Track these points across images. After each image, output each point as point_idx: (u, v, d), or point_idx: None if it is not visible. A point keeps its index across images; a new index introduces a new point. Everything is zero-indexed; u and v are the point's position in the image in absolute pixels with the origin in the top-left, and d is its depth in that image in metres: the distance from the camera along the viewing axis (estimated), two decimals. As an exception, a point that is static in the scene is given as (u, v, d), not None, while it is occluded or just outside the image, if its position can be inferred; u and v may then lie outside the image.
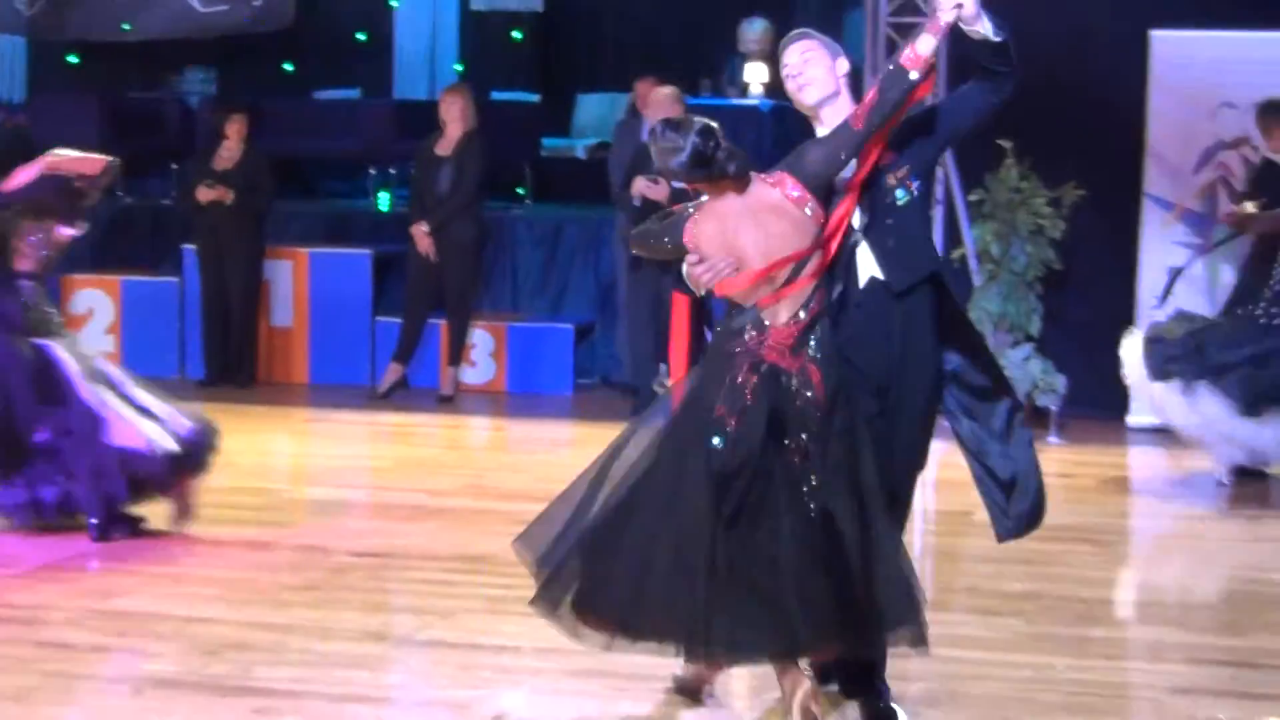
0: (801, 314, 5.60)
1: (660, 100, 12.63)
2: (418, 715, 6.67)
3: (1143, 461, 12.32)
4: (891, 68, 5.55)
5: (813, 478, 5.59)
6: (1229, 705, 6.37)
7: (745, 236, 5.55)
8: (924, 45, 5.45)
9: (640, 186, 12.42)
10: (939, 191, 13.29)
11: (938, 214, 13.34)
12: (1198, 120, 12.76)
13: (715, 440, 5.58)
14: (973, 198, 12.94)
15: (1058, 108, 12.49)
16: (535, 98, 16.35)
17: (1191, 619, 8.15)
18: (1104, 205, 12.77)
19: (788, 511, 5.55)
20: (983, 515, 6.11)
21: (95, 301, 14.77)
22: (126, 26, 15.59)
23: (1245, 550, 9.77)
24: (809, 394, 5.57)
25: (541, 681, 6.86)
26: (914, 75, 5.44)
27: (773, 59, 15.03)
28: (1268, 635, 7.76)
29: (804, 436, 5.58)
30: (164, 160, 16.09)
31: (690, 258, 5.66)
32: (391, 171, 15.58)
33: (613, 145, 13.61)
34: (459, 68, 16.67)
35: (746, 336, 5.65)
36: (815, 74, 5.79)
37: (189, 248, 14.45)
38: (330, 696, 6.62)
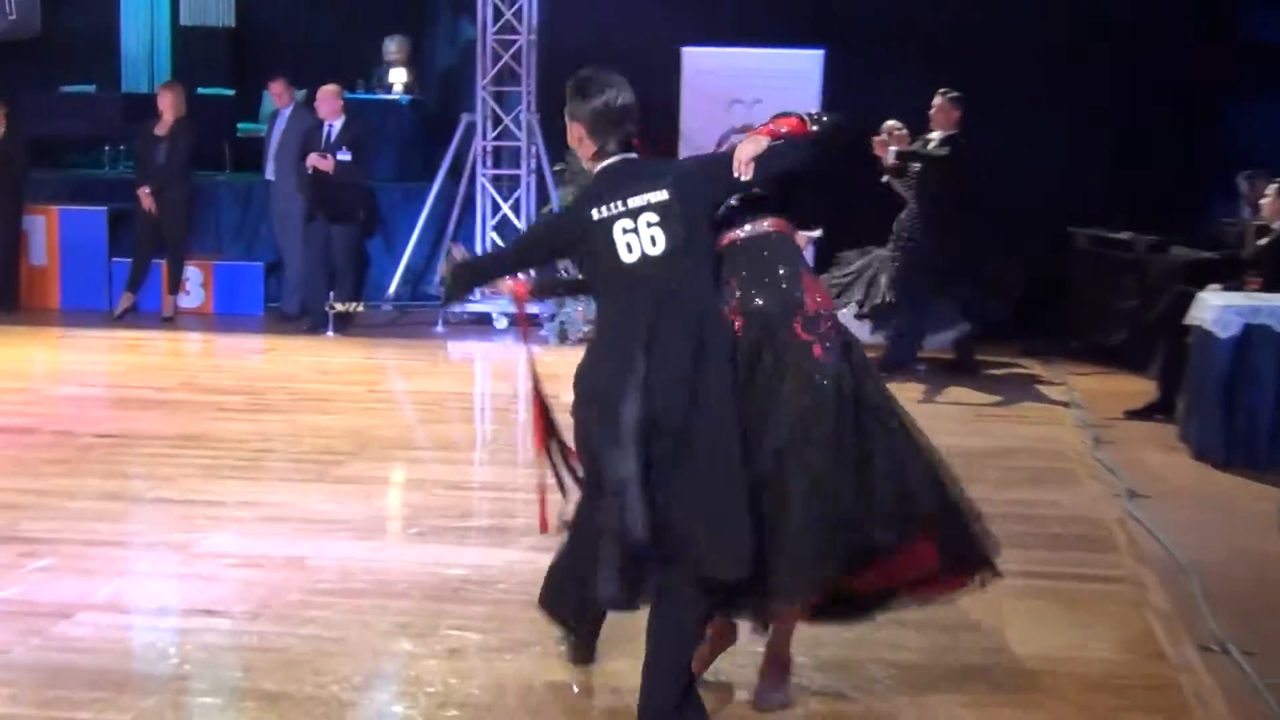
0: None
1: (328, 95, 12.64)
2: (147, 553, 6.61)
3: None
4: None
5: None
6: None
7: None
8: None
9: (312, 160, 12.42)
10: (532, 163, 13.50)
11: (530, 181, 13.53)
12: (716, 112, 13.08)
13: None
14: (557, 168, 13.07)
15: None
16: (231, 92, 16.10)
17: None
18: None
19: None
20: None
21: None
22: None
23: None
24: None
25: (241, 526, 6.97)
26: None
27: (409, 65, 15.26)
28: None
29: None
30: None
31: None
32: (121, 148, 15.31)
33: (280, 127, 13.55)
34: (171, 68, 16.33)
35: None
36: None
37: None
38: (79, 542, 6.65)
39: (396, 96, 15.01)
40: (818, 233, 5.24)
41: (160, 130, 13.34)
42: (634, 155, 4.54)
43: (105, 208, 14.14)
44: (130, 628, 5.66)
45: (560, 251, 5.01)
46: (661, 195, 4.38)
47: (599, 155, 4.52)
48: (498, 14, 13.41)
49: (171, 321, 13.40)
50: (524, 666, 5.20)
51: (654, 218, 4.36)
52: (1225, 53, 12.57)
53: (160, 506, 7.30)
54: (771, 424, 4.54)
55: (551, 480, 5.00)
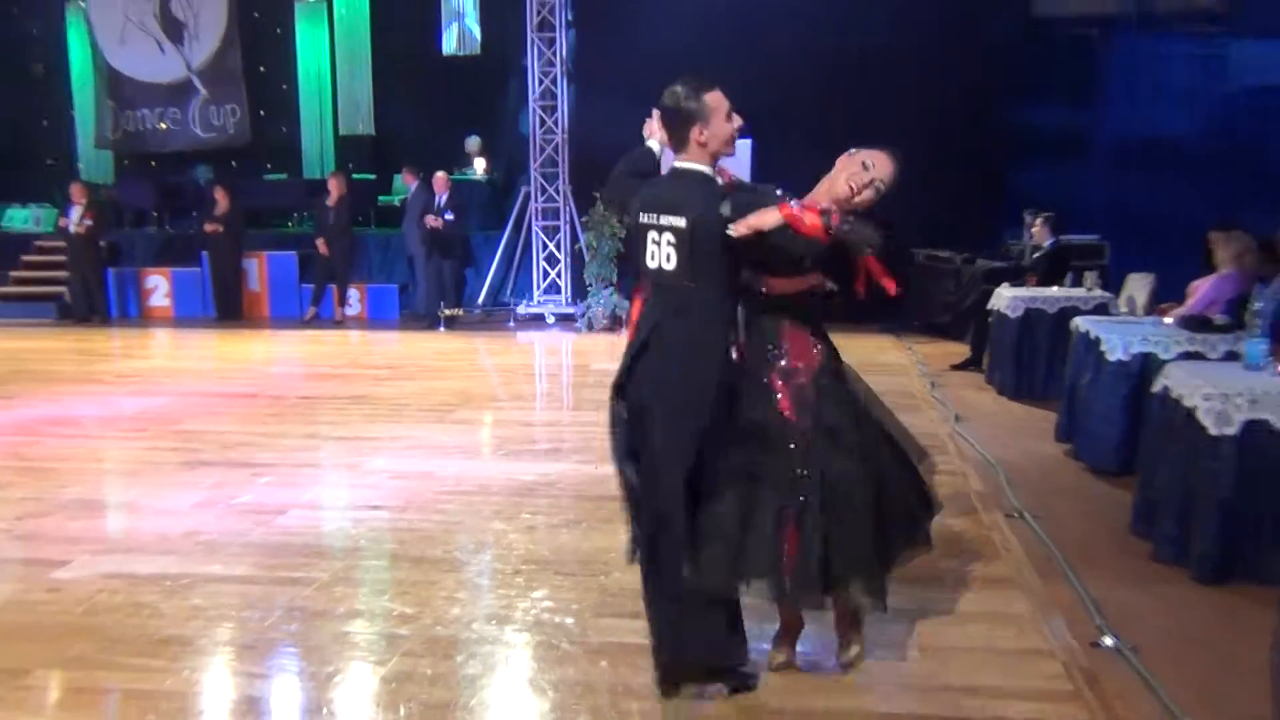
0: None
1: (440, 178, 12.64)
2: (333, 471, 6.56)
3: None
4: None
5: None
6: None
7: None
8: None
9: (429, 220, 12.40)
10: (568, 216, 13.47)
11: (566, 229, 13.51)
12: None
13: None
14: (583, 219, 13.07)
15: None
16: (373, 176, 16.03)
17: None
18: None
19: None
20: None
21: None
22: None
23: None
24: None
25: (392, 453, 6.94)
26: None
27: (484, 154, 15.18)
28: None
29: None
30: None
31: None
32: (305, 214, 15.29)
33: (410, 199, 13.46)
34: (335, 161, 16.26)
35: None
36: None
37: None
38: (290, 465, 6.64)
39: (479, 176, 14.97)
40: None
41: (330, 202, 13.36)
42: (690, 165, 3.37)
43: (295, 252, 14.14)
44: (324, 519, 5.69)
45: (630, 192, 3.54)
46: (681, 223, 3.32)
47: (674, 149, 3.43)
48: (542, 121, 13.41)
49: (340, 324, 13.41)
50: (575, 536, 5.25)
51: (672, 239, 3.34)
52: (1003, 134, 12.54)
53: (339, 442, 7.31)
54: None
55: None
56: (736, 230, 3.20)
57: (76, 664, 3.87)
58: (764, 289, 3.49)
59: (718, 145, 3.40)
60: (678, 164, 3.40)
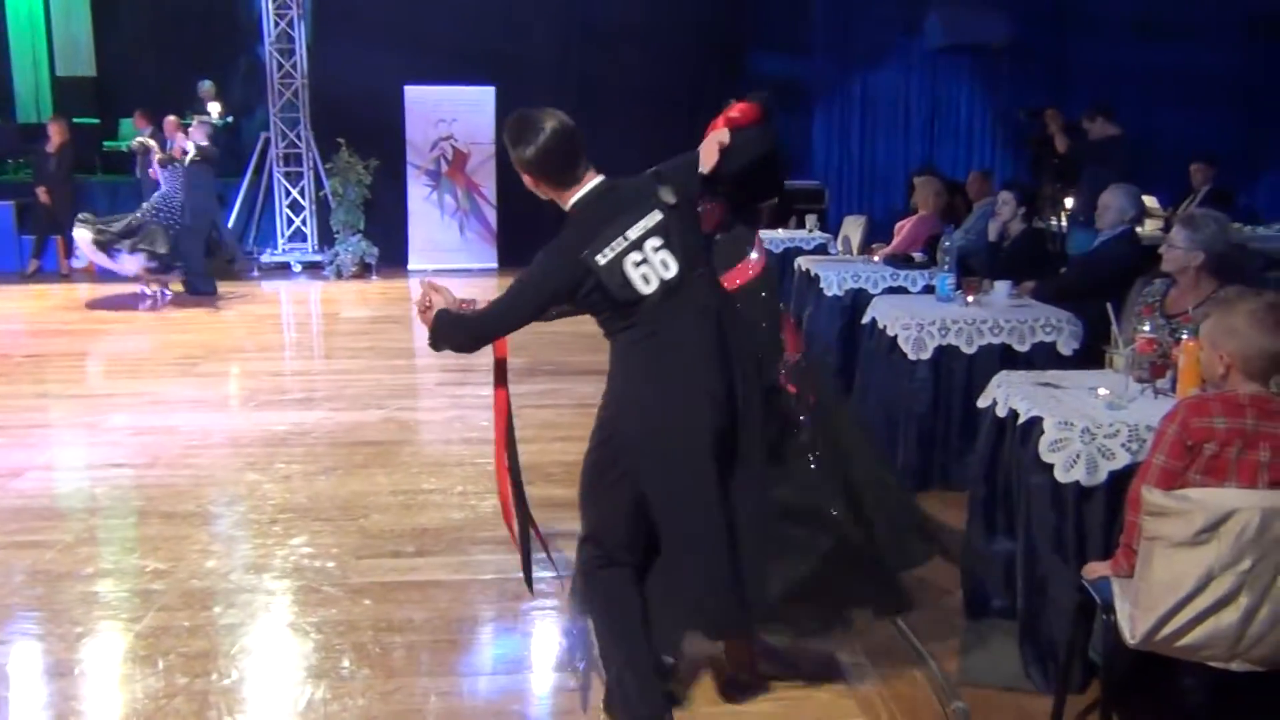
0: None
1: (170, 122, 11.86)
2: (70, 431, 6.20)
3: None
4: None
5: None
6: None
7: None
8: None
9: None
10: (310, 162, 13.00)
11: (309, 175, 13.06)
12: (427, 129, 12.89)
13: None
14: (328, 165, 12.69)
15: (364, 123, 12.39)
16: (98, 121, 14.91)
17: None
18: (387, 169, 12.79)
19: None
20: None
21: None
22: None
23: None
24: None
25: (133, 409, 6.64)
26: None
27: (219, 98, 14.38)
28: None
29: None
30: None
31: None
32: (20, 160, 14.01)
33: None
34: (53, 105, 14.98)
35: None
36: None
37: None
38: (22, 426, 6.25)
39: (215, 121, 14.16)
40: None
41: (50, 149, 12.35)
42: (601, 177, 2.87)
43: (12, 202, 13.01)
44: (63, 480, 5.40)
45: (559, 300, 2.88)
46: (656, 216, 2.81)
47: (563, 188, 2.84)
48: (280, 64, 12.85)
49: (67, 277, 12.48)
50: (330, 483, 5.21)
51: (658, 241, 2.81)
52: (736, 83, 13.01)
53: (74, 400, 6.91)
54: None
55: (537, 552, 3.32)
56: (706, 165, 2.93)
57: None
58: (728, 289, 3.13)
59: None
60: (596, 185, 2.85)
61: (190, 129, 11.06)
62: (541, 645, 3.64)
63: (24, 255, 12.77)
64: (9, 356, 8.18)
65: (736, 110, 3.03)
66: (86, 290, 11.72)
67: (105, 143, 14.33)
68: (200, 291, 10.86)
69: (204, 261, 11.01)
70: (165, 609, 3.83)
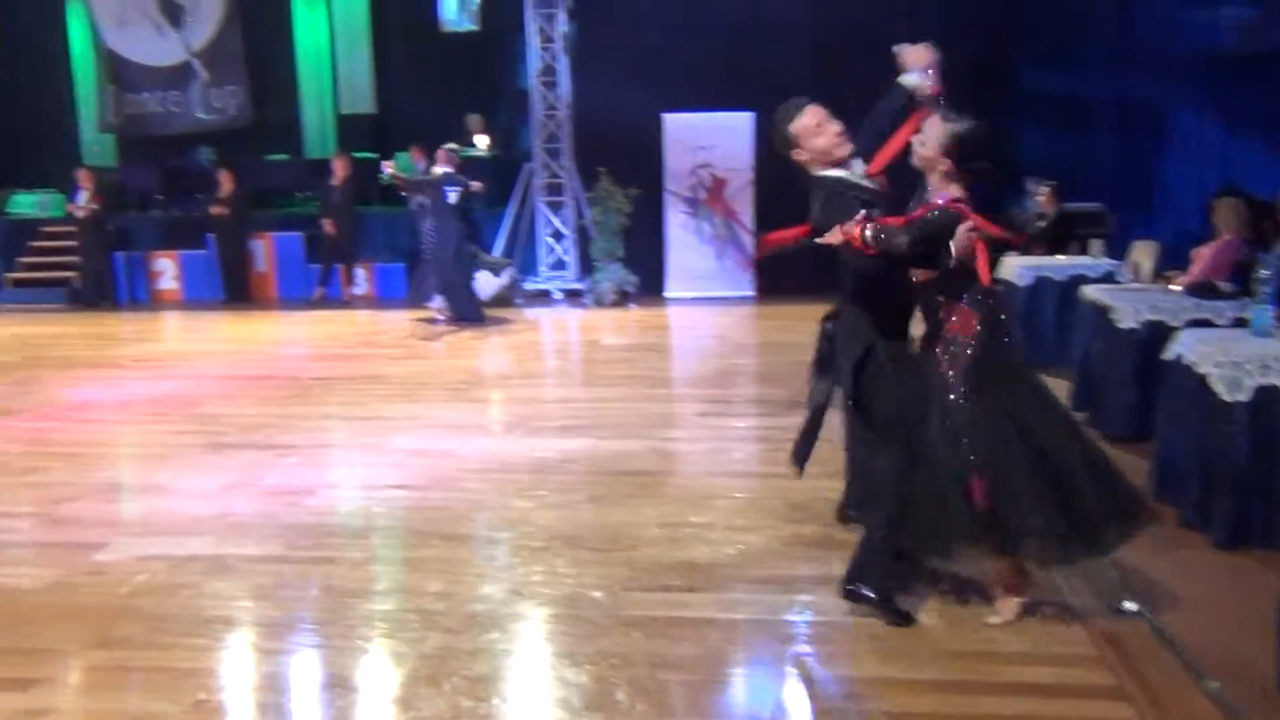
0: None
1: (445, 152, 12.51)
2: (356, 451, 6.59)
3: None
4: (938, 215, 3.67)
5: None
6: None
7: None
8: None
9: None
10: (571, 192, 13.48)
11: (570, 204, 13.51)
12: (685, 155, 13.10)
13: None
14: (589, 194, 13.10)
15: (624, 152, 12.71)
16: (376, 155, 16.05)
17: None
18: (646, 197, 13.05)
19: None
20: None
21: None
22: None
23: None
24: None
25: (412, 431, 6.98)
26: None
27: (486, 131, 15.14)
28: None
29: None
30: None
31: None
32: (309, 194, 15.25)
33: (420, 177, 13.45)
34: (337, 141, 16.20)
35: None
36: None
37: None
38: (312, 446, 6.69)
39: (482, 153, 14.94)
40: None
41: (335, 182, 13.39)
42: (817, 172, 3.92)
43: (301, 233, 14.17)
44: (351, 499, 5.75)
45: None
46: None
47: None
48: (543, 97, 13.40)
49: (348, 304, 13.43)
50: (597, 512, 5.32)
51: None
52: (1010, 102, 12.54)
53: (359, 422, 7.36)
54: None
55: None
56: (824, 240, 3.74)
57: (124, 644, 3.96)
58: (914, 278, 3.83)
59: (819, 155, 3.93)
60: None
61: (436, 159, 11.65)
62: (817, 692, 3.57)
63: (311, 283, 13.85)
64: (298, 379, 8.86)
65: (855, 231, 3.65)
66: (366, 316, 12.58)
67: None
68: (466, 318, 11.42)
69: (467, 288, 11.59)
70: (448, 630, 4.01)
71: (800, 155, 3.94)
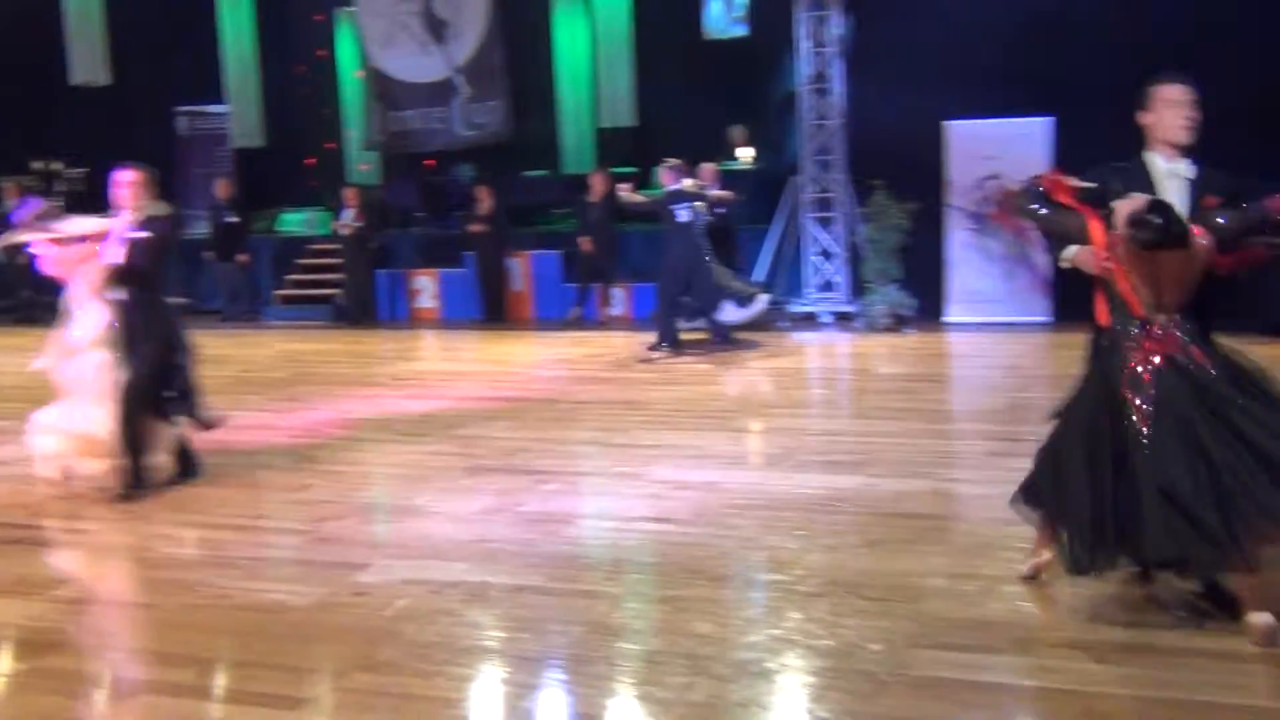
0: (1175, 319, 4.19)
1: (707, 169, 12.68)
2: (615, 480, 6.67)
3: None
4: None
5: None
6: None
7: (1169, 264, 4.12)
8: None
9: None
10: (843, 209, 13.35)
11: (842, 221, 13.40)
12: (971, 165, 12.75)
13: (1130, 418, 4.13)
14: (862, 209, 12.95)
15: (901, 164, 12.49)
16: (635, 169, 16.41)
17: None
18: (926, 212, 12.79)
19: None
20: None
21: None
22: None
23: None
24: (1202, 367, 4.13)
25: (673, 461, 7.07)
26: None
27: (749, 144, 15.24)
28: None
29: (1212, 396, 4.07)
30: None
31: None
32: (566, 211, 15.78)
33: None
34: (595, 157, 16.71)
35: (1134, 339, 4.21)
36: None
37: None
38: (571, 473, 6.85)
39: (745, 166, 15.07)
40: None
41: (593, 199, 13.81)
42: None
43: (559, 251, 14.68)
44: (612, 530, 5.84)
45: None
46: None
47: None
48: (814, 105, 13.36)
49: (605, 325, 13.80)
50: (878, 557, 5.18)
51: None
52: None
53: (618, 449, 7.49)
54: None
55: None
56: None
57: (388, 668, 4.16)
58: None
59: (1159, 134, 4.28)
60: None
61: (664, 175, 11.74)
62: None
63: (568, 302, 14.32)
64: (557, 402, 9.15)
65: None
66: (622, 338, 12.89)
67: (641, 191, 15.76)
68: (722, 341, 11.49)
69: (719, 310, 11.64)
70: (717, 679, 3.99)
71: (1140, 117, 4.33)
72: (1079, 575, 4.24)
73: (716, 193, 11.82)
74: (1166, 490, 3.95)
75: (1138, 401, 4.12)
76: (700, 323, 11.71)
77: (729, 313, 11.58)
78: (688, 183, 11.50)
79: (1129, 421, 4.13)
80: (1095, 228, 4.20)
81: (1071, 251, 4.33)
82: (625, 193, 11.82)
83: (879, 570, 5.00)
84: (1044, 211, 4.34)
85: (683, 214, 11.35)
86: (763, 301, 11.68)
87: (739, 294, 11.64)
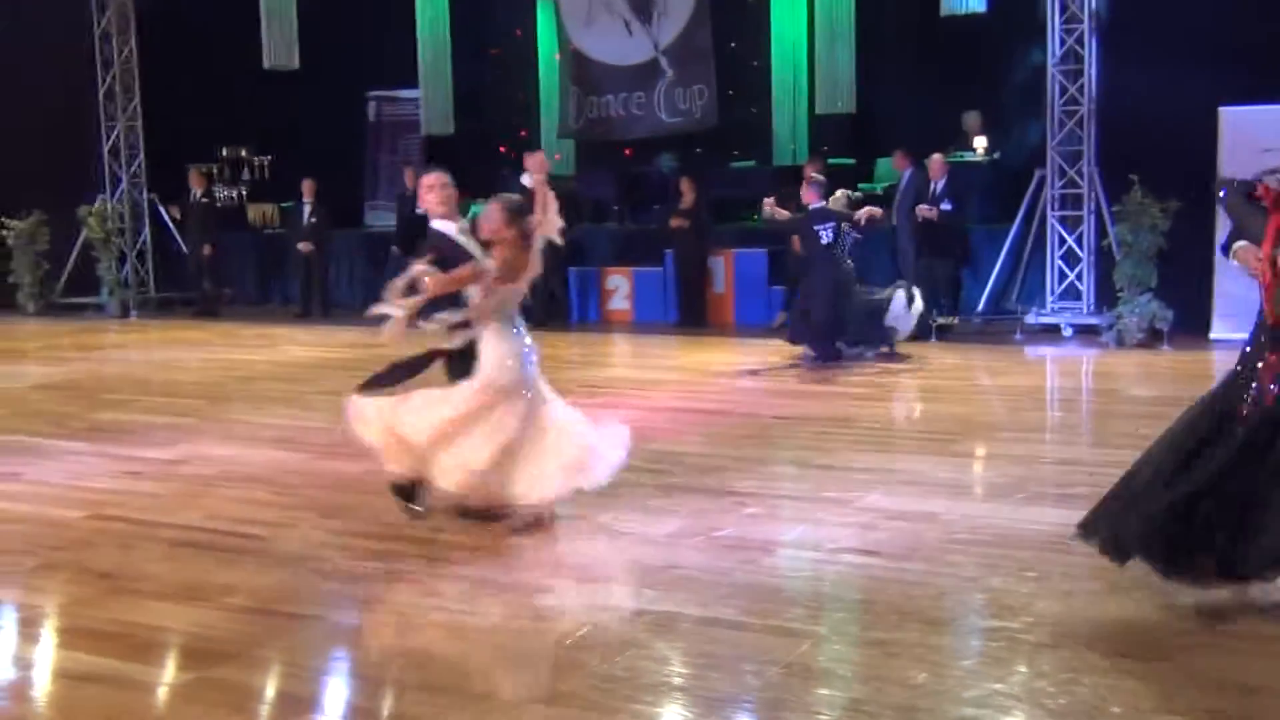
0: None
1: (937, 160, 12.48)
2: (820, 506, 6.60)
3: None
4: None
5: None
6: None
7: None
8: None
9: (921, 210, 12.43)
10: (1093, 205, 12.93)
11: (1091, 220, 12.97)
12: (1249, 158, 12.12)
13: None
14: (1115, 208, 12.50)
15: (1163, 156, 11.98)
16: (853, 161, 16.21)
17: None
18: (1191, 212, 12.22)
19: None
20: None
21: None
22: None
23: None
24: None
25: (886, 488, 6.96)
26: None
27: (984, 133, 14.82)
28: None
29: None
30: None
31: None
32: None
33: (901, 187, 13.55)
34: (809, 145, 16.60)
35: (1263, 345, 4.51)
36: None
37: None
38: (772, 495, 6.84)
39: (980, 158, 14.72)
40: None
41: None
42: None
43: (765, 250, 14.65)
44: (815, 563, 5.76)
45: None
46: None
47: None
48: (1063, 89, 12.95)
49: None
50: (1120, 606, 4.94)
51: None
52: None
53: (824, 471, 7.41)
54: None
55: None
56: None
57: (570, 700, 4.20)
58: None
59: None
60: None
61: (806, 192, 11.55)
62: None
63: (773, 307, 14.26)
64: (757, 417, 9.13)
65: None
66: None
67: (860, 185, 15.60)
68: (824, 358, 11.27)
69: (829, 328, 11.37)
70: (931, 735, 3.88)
71: None
72: None
73: (865, 210, 11.53)
74: None
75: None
76: (863, 351, 11.59)
77: (902, 321, 11.41)
78: (839, 195, 11.41)
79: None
80: (1272, 229, 4.32)
81: (1239, 245, 4.52)
82: (769, 208, 11.70)
83: (1120, 620, 4.79)
84: (1231, 200, 4.48)
85: (826, 234, 11.17)
86: (916, 293, 11.56)
87: (896, 302, 11.44)
